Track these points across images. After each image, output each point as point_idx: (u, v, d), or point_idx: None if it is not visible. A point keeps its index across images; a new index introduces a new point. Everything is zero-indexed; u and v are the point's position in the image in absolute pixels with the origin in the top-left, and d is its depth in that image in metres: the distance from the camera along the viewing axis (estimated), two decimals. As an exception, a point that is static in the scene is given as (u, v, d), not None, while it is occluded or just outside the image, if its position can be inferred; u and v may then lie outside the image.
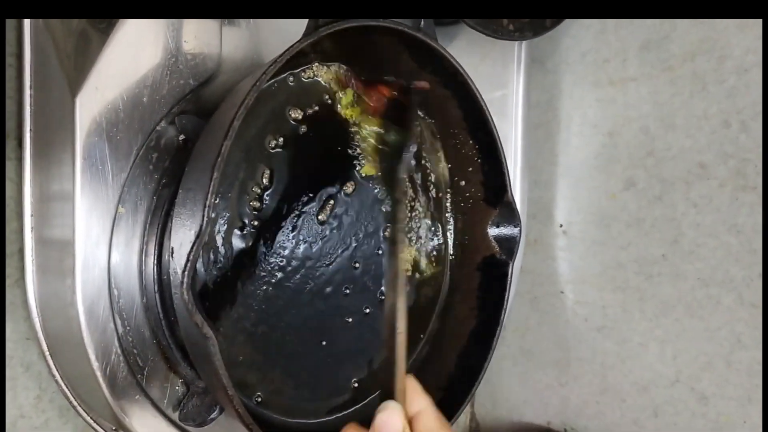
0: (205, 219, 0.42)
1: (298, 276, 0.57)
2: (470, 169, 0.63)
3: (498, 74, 0.78)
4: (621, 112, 0.73)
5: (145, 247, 0.53)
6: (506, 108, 0.78)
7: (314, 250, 0.58)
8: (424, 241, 0.64)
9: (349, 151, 0.59)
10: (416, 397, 0.46)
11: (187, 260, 0.41)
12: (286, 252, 0.56)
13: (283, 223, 0.55)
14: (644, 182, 0.71)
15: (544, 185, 0.81)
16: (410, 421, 0.45)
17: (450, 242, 0.66)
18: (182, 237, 0.44)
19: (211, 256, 0.52)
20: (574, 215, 0.78)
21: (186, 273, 0.41)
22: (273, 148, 0.54)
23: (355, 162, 0.59)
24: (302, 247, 0.57)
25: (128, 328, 0.52)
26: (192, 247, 0.41)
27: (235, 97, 0.46)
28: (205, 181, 0.42)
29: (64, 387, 0.55)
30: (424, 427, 0.44)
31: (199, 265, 0.51)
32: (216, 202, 0.50)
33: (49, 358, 0.55)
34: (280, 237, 0.55)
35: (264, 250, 0.55)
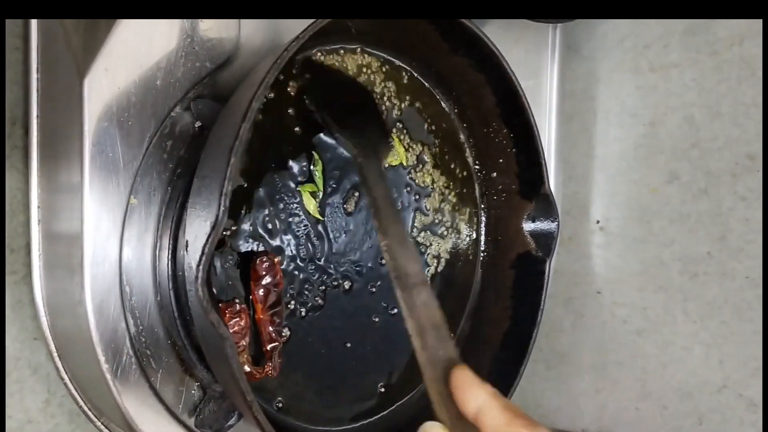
0: (222, 208, 0.39)
1: (321, 272, 0.54)
2: (503, 159, 0.62)
3: (531, 62, 0.76)
4: (663, 101, 0.71)
5: (159, 241, 0.50)
6: (539, 98, 0.76)
7: (338, 243, 0.55)
8: (452, 236, 0.62)
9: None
10: (473, 391, 0.38)
11: (202, 253, 0.38)
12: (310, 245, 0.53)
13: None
14: (688, 175, 0.69)
15: (580, 179, 0.78)
16: (475, 421, 0.38)
17: (482, 238, 0.64)
18: (197, 229, 0.41)
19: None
20: (612, 211, 0.76)
21: (201, 267, 0.38)
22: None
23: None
24: (331, 241, 0.55)
25: (141, 327, 0.49)
26: (207, 239, 0.38)
27: (254, 77, 0.43)
28: (221, 167, 0.39)
29: (74, 390, 0.53)
30: (491, 425, 0.37)
31: (217, 262, 0.49)
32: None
33: (57, 359, 0.52)
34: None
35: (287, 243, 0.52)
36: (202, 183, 0.42)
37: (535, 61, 0.76)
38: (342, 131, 0.51)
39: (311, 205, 0.54)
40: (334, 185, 0.55)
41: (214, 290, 0.48)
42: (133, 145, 0.47)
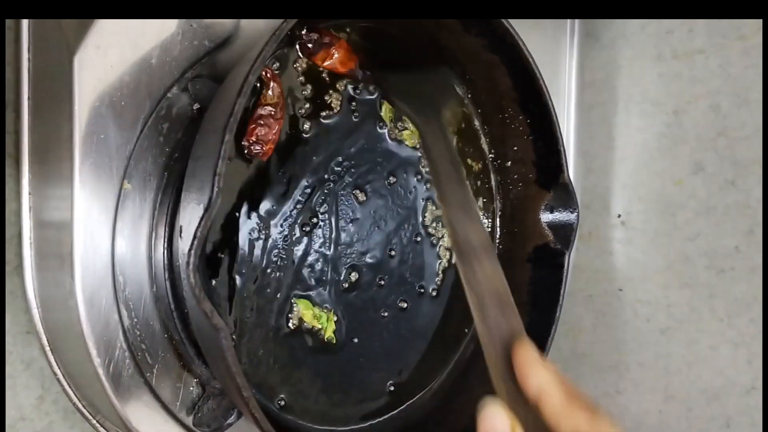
0: (215, 189, 0.36)
1: (327, 263, 0.52)
2: (519, 147, 0.59)
3: (548, 50, 0.74)
4: (687, 88, 0.69)
5: (154, 229, 0.48)
6: (557, 87, 0.74)
7: (344, 234, 0.53)
8: None
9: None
10: (534, 370, 0.36)
11: (194, 237, 0.36)
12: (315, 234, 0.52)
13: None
14: (714, 166, 0.67)
15: (600, 172, 0.77)
16: (536, 401, 0.35)
17: (497, 230, 0.62)
18: (191, 213, 0.39)
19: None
20: (634, 204, 0.74)
21: (193, 252, 0.36)
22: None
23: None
24: (336, 231, 0.53)
25: (135, 320, 0.47)
26: (200, 223, 0.36)
27: (251, 52, 0.40)
28: (215, 146, 0.37)
29: (67, 387, 0.51)
30: (552, 408, 0.35)
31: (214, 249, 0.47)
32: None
33: (50, 354, 0.50)
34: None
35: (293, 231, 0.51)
36: (196, 164, 0.40)
37: (553, 49, 0.74)
38: (397, 97, 0.50)
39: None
40: (343, 172, 0.53)
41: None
42: (126, 127, 0.45)
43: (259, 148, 0.47)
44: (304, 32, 0.50)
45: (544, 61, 0.69)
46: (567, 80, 0.75)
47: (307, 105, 0.51)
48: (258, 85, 0.48)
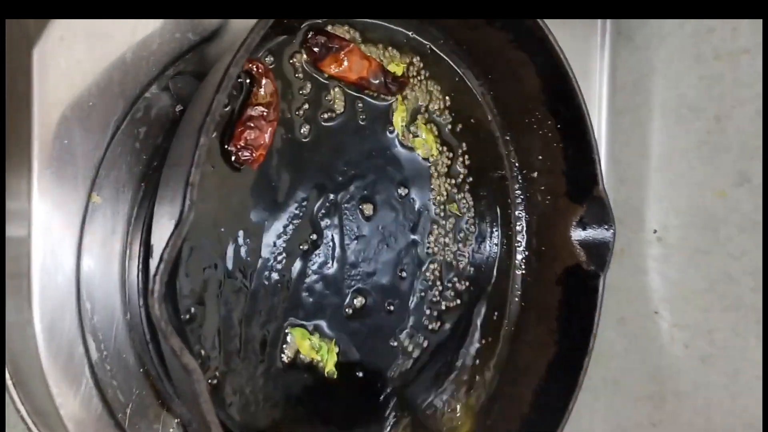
0: (187, 202, 0.32)
1: (328, 286, 0.48)
2: (546, 155, 0.57)
3: (578, 50, 0.72)
4: (730, 92, 0.66)
5: (128, 247, 0.43)
6: (587, 90, 0.69)
7: (349, 252, 0.49)
8: (483, 246, 0.58)
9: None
10: None
11: (160, 260, 0.31)
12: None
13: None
14: (760, 176, 0.63)
15: (634, 183, 0.73)
16: None
17: (521, 249, 0.59)
18: (162, 229, 0.34)
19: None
20: (671, 218, 0.71)
21: (158, 278, 0.31)
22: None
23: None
24: (339, 249, 0.49)
25: (105, 353, 0.41)
26: (168, 242, 0.31)
27: (235, 43, 0.35)
28: (189, 151, 0.31)
29: (32, 425, 0.46)
30: None
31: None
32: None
33: (12, 390, 0.45)
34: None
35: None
36: (170, 172, 0.36)
37: (583, 49, 0.73)
38: None
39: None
40: (347, 183, 0.50)
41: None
42: (94, 131, 0.41)
43: (248, 154, 0.43)
44: (309, 35, 0.47)
45: (573, 63, 0.68)
46: (598, 83, 0.73)
47: (306, 106, 0.47)
48: (248, 81, 0.44)
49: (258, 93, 0.43)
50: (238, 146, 0.42)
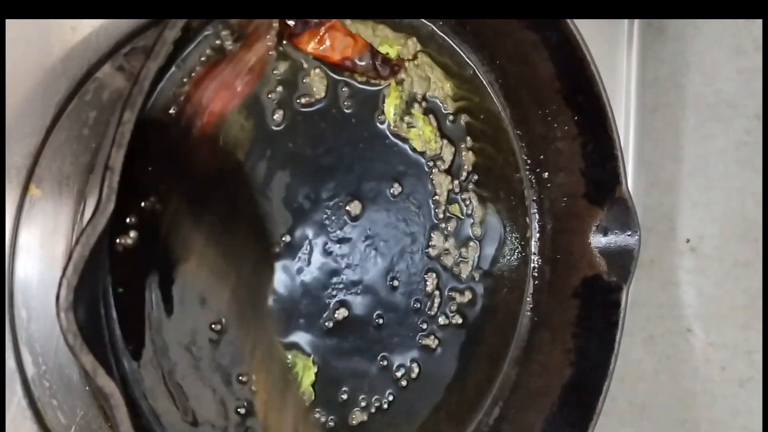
0: (105, 192, 0.28)
1: (305, 295, 0.45)
2: (563, 151, 0.55)
3: (603, 42, 0.71)
4: None
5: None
6: (614, 86, 0.71)
7: (330, 258, 0.46)
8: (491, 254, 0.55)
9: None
10: None
11: (69, 259, 0.27)
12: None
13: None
14: None
15: (665, 187, 0.72)
16: None
17: (533, 257, 0.57)
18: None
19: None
20: (706, 227, 0.69)
21: (65, 281, 0.26)
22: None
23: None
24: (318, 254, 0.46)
25: (43, 368, 0.38)
26: (79, 237, 0.27)
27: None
28: (112, 128, 0.28)
29: None
30: None
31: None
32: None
33: None
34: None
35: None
36: (98, 158, 0.30)
37: (609, 41, 0.71)
38: None
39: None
40: (327, 178, 0.46)
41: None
42: (29, 114, 0.37)
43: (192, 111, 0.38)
44: None
45: (597, 56, 0.66)
46: (625, 78, 0.72)
47: (280, 88, 0.43)
48: (234, 40, 0.40)
49: (243, 56, 0.40)
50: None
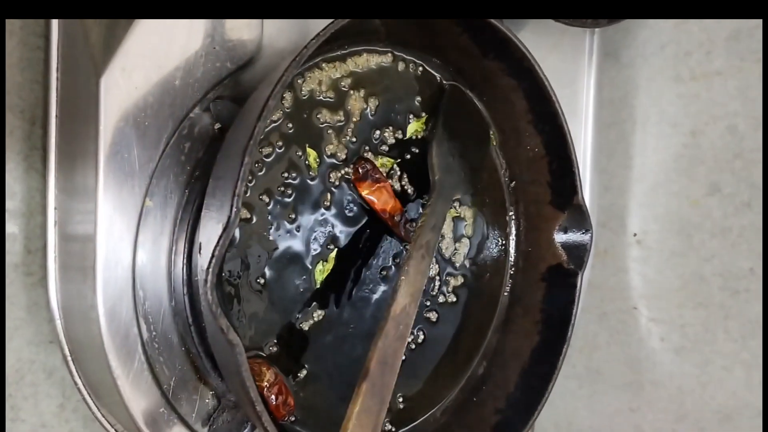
0: (234, 210, 0.38)
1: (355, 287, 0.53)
2: (535, 168, 0.59)
3: (567, 69, 0.73)
4: (705, 110, 0.69)
5: (174, 245, 0.49)
6: (576, 105, 0.73)
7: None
8: (479, 246, 0.60)
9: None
10: None
11: (212, 256, 0.37)
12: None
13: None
14: (731, 187, 0.67)
15: (617, 190, 0.76)
16: None
17: (511, 249, 0.61)
18: (210, 231, 0.40)
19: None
20: (650, 223, 0.74)
21: (210, 270, 0.37)
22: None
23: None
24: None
25: (154, 333, 0.48)
26: (218, 242, 0.37)
27: (272, 76, 0.41)
28: (235, 168, 0.38)
29: (87, 396, 0.52)
30: None
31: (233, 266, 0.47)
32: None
33: (71, 363, 0.51)
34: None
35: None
36: (217, 184, 0.41)
37: (572, 68, 0.73)
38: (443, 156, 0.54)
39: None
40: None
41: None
42: (149, 147, 0.46)
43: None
44: (359, 160, 0.52)
45: (563, 81, 0.70)
46: (585, 99, 0.74)
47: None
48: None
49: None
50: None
